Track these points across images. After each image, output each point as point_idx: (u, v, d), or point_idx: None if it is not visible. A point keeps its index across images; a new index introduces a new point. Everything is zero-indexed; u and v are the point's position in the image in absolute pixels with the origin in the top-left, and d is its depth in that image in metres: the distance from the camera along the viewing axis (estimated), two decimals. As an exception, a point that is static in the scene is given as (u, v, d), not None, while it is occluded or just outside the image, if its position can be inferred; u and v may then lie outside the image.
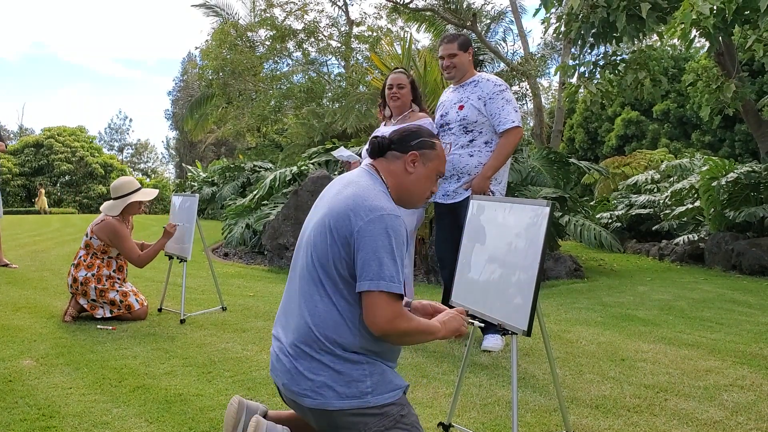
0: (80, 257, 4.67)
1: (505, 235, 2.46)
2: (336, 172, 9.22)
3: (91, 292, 4.56)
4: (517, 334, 2.33)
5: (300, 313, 1.98)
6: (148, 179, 42.41)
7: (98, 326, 4.42)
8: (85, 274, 4.58)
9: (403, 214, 4.06)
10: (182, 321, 4.64)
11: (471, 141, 4.12)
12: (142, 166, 53.70)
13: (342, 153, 4.57)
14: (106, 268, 4.64)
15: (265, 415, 2.19)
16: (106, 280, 4.60)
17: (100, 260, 4.65)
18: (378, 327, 1.87)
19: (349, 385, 1.91)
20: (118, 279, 4.68)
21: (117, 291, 4.60)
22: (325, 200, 2.09)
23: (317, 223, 2.01)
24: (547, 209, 2.27)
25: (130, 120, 74.46)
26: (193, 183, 19.48)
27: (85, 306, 4.60)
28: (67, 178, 34.78)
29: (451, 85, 4.37)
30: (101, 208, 4.78)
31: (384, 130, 4.36)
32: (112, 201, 4.71)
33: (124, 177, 4.87)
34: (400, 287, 1.89)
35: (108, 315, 4.58)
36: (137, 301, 4.66)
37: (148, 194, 4.80)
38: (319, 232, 1.98)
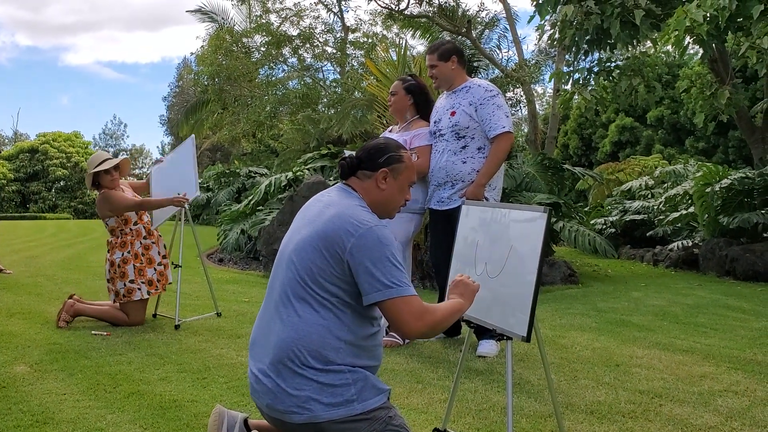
0: (110, 242, 4.71)
1: (502, 240, 2.46)
2: (331, 178, 9.22)
3: (129, 272, 4.59)
4: (512, 339, 2.34)
5: (281, 329, 1.98)
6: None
7: (93, 332, 4.40)
8: (122, 255, 4.61)
9: (399, 221, 4.06)
10: (177, 327, 4.63)
11: (464, 147, 4.13)
12: (137, 171, 53.59)
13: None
14: (136, 239, 4.69)
15: (245, 422, 2.20)
16: (143, 257, 4.67)
17: (130, 235, 4.68)
18: (409, 331, 1.96)
19: (334, 394, 1.91)
20: (153, 244, 4.75)
21: (155, 269, 4.71)
22: (306, 220, 2.11)
23: (301, 242, 2.03)
24: (545, 215, 2.28)
25: (125, 125, 74.23)
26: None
27: (121, 291, 4.59)
28: (62, 183, 34.65)
29: (445, 92, 4.39)
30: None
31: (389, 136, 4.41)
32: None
33: (94, 155, 4.90)
34: (410, 289, 1.95)
35: (146, 296, 4.64)
36: (169, 275, 4.85)
37: (112, 162, 4.74)
38: (305, 249, 2.00)
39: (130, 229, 4.70)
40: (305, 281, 1.97)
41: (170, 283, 4.92)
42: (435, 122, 4.29)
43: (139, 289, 4.61)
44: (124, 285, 4.59)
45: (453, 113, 4.16)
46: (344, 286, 1.96)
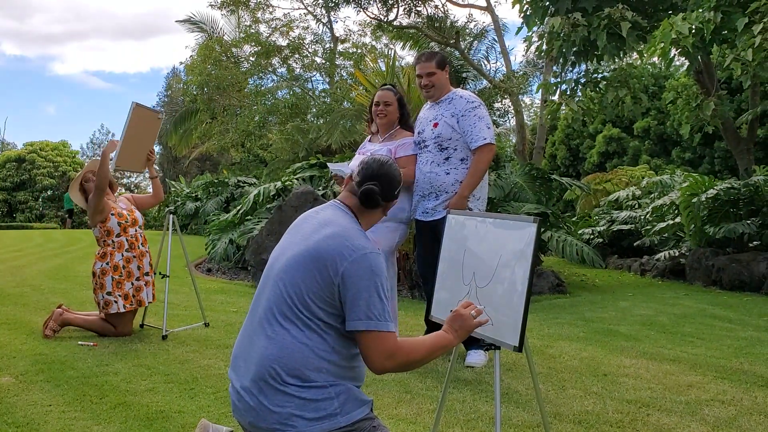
0: (96, 253, 4.73)
1: (491, 250, 2.47)
2: (321, 187, 9.22)
3: (107, 284, 4.57)
4: (500, 349, 2.34)
5: (264, 346, 1.96)
6: (131, 194, 42.17)
7: (79, 343, 4.37)
8: (101, 266, 4.61)
9: (385, 231, 4.08)
10: (164, 337, 4.60)
11: (447, 158, 4.14)
12: (125, 180, 53.22)
13: (341, 168, 4.57)
14: (118, 251, 4.66)
15: None
16: (123, 270, 4.64)
17: (111, 246, 4.66)
18: (374, 367, 1.94)
19: (317, 409, 1.90)
20: (134, 258, 4.71)
21: (132, 284, 4.67)
22: (299, 236, 2.09)
23: (292, 259, 2.01)
24: (534, 225, 2.29)
25: (113, 135, 73.88)
26: (176, 198, 19.37)
27: (100, 302, 4.59)
28: (49, 192, 34.44)
29: (428, 103, 4.40)
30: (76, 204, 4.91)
31: (370, 147, 4.40)
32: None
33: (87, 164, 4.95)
34: (388, 325, 1.94)
35: (121, 310, 4.58)
36: (148, 294, 4.77)
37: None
38: (296, 268, 1.98)
39: (112, 241, 4.68)
40: (292, 300, 1.95)
41: (150, 302, 4.82)
42: (419, 133, 4.31)
43: (116, 302, 4.58)
44: (103, 297, 4.58)
45: (436, 125, 4.17)
46: (330, 309, 1.95)
